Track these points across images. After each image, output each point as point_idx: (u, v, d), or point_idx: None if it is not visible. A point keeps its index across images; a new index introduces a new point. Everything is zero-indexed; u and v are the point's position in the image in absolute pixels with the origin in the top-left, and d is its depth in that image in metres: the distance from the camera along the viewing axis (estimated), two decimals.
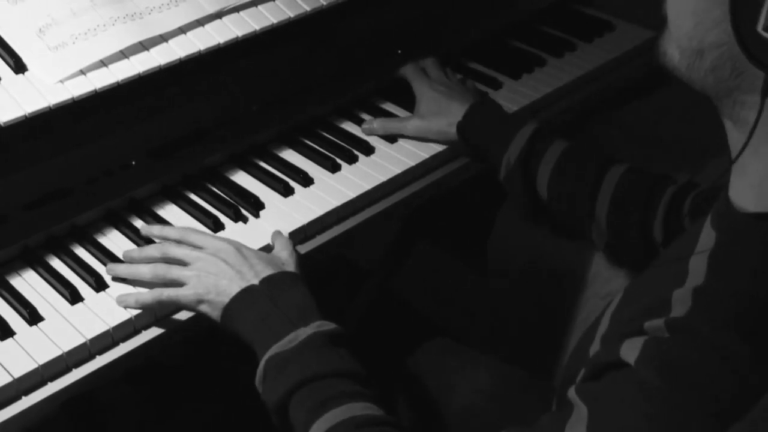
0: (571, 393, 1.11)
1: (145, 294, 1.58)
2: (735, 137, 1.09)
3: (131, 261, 1.65)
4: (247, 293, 1.53)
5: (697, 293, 1.04)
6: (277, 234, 1.72)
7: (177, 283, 1.58)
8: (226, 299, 1.53)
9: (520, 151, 1.81)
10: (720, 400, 0.98)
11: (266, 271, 1.56)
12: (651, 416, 1.01)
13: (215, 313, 1.55)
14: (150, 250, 1.65)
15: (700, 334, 1.01)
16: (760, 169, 1.07)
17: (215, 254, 1.59)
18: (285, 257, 1.64)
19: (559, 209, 1.81)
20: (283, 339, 1.44)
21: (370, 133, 2.01)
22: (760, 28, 0.94)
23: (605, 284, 2.09)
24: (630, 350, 1.06)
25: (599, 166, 1.77)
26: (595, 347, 1.20)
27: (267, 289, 1.53)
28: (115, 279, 1.64)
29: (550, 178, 1.78)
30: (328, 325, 1.47)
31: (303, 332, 1.44)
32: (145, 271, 1.61)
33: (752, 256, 1.04)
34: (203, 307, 1.56)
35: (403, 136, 2.01)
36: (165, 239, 1.68)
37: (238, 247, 1.61)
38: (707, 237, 1.12)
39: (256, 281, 1.54)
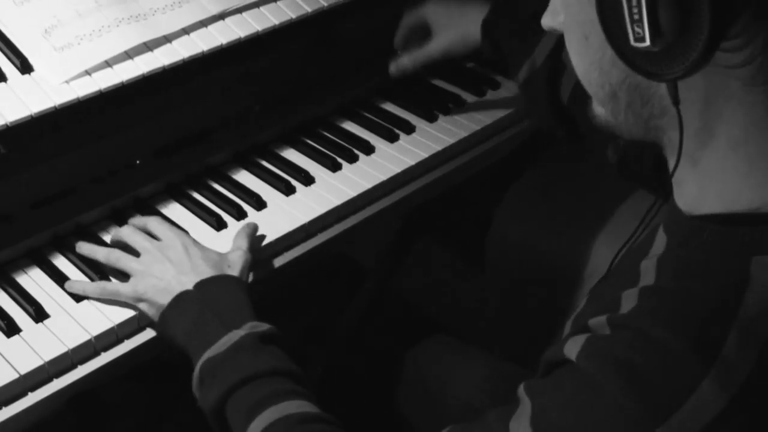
0: (520, 389, 1.12)
1: (90, 285, 1.60)
2: (673, 162, 1.10)
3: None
4: (180, 300, 1.52)
5: (643, 292, 1.05)
6: (241, 231, 1.70)
7: (125, 273, 1.60)
8: (164, 301, 1.53)
9: (548, 53, 1.77)
10: (655, 395, 0.98)
11: (207, 273, 1.55)
12: (589, 409, 1.02)
13: (153, 312, 1.55)
14: (118, 232, 1.67)
15: (639, 329, 1.01)
16: (695, 174, 1.07)
17: (162, 250, 1.60)
18: (233, 258, 1.62)
19: (578, 117, 1.75)
20: (217, 343, 1.44)
21: (401, 72, 2.02)
22: (632, 41, 0.95)
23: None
24: (573, 347, 1.06)
25: None
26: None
27: (201, 293, 1.52)
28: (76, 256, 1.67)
29: (573, 90, 1.73)
30: (260, 326, 1.46)
31: (235, 334, 1.44)
32: (101, 254, 1.64)
33: (696, 258, 1.05)
34: (142, 305, 1.57)
35: (433, 60, 2.01)
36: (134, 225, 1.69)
37: (187, 246, 1.60)
38: (660, 241, 1.13)
39: (191, 285, 1.53)
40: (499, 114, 2.12)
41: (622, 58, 0.98)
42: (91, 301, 1.59)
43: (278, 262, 1.75)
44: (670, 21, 0.92)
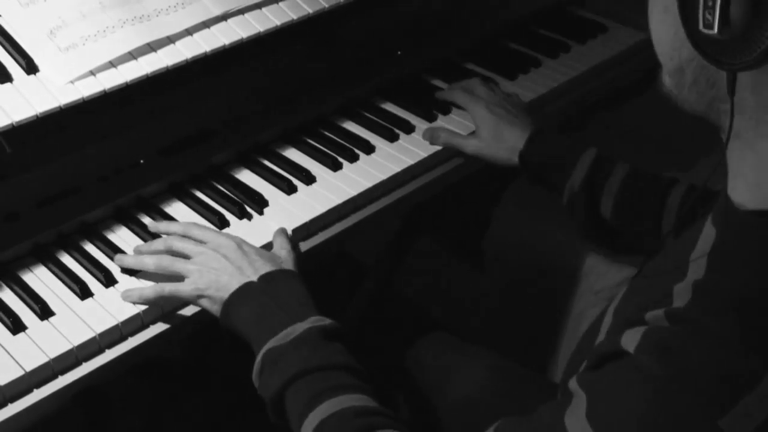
0: (572, 383, 1.12)
1: (147, 289, 1.59)
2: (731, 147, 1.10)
3: (139, 254, 1.66)
4: (245, 290, 1.53)
5: (697, 286, 1.05)
6: (278, 232, 1.73)
7: (179, 277, 1.59)
8: (226, 295, 1.54)
9: (582, 179, 1.80)
10: (717, 388, 0.98)
11: (265, 268, 1.57)
12: (649, 401, 1.01)
13: (215, 308, 1.56)
14: (156, 244, 1.66)
15: (698, 323, 1.01)
16: (755, 167, 1.07)
17: (217, 249, 1.60)
18: (284, 255, 1.65)
19: (624, 231, 1.81)
20: (280, 333, 1.45)
21: (432, 141, 2.00)
22: (701, 26, 0.96)
23: (599, 279, 2.10)
24: (630, 339, 1.06)
25: (664, 186, 1.76)
26: (600, 340, 1.21)
27: (265, 285, 1.53)
28: (124, 271, 1.65)
29: (615, 202, 1.77)
30: (323, 321, 1.47)
31: (299, 327, 1.45)
32: (149, 262, 1.63)
33: (750, 252, 1.05)
34: (203, 302, 1.57)
35: (461, 152, 2.00)
36: (170, 234, 1.68)
37: (240, 243, 1.62)
38: (708, 235, 1.12)
39: (255, 278, 1.55)
40: None
41: (690, 41, 1.00)
42: (96, 299, 1.59)
43: None
44: (740, 13, 0.93)
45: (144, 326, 1.59)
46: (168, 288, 1.58)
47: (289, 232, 1.75)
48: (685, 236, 1.20)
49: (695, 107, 1.11)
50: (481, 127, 1.99)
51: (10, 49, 1.65)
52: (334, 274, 2.15)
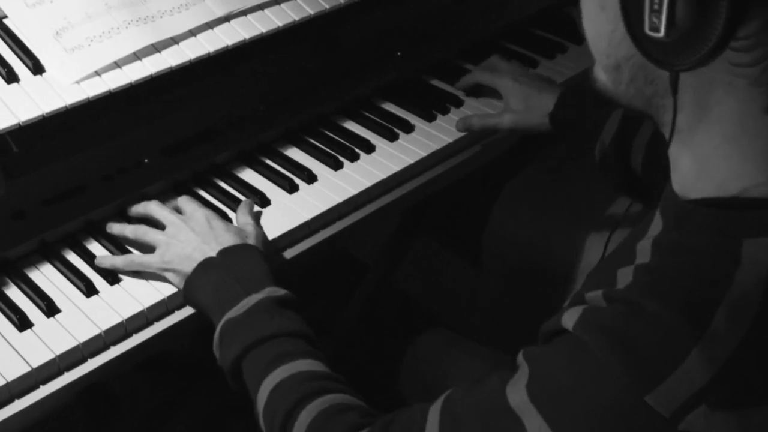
0: (519, 355, 1.14)
1: (119, 258, 1.64)
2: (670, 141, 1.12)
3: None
4: (205, 265, 1.57)
5: (638, 269, 1.07)
6: (242, 208, 1.75)
7: (150, 246, 1.65)
8: (188, 269, 1.58)
9: (614, 134, 1.81)
10: (645, 365, 1.00)
11: (228, 242, 1.60)
12: (582, 376, 1.04)
13: (177, 280, 1.60)
14: (138, 207, 1.73)
15: (632, 303, 1.03)
16: (693, 160, 1.09)
17: (187, 221, 1.65)
18: (250, 230, 1.68)
19: (653, 183, 1.80)
20: (237, 305, 1.49)
21: (466, 128, 2.02)
22: (646, 29, 0.96)
23: None
24: (570, 317, 1.08)
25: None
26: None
27: (224, 259, 1.57)
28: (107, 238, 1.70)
29: (644, 156, 1.78)
30: (278, 291, 1.51)
31: (254, 298, 1.49)
32: (129, 230, 1.68)
33: (689, 237, 1.06)
34: (169, 275, 1.62)
35: (497, 130, 2.03)
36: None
37: (209, 218, 1.66)
38: (656, 224, 1.14)
39: (215, 252, 1.58)
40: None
41: (633, 42, 1.00)
42: (101, 296, 1.60)
43: (281, 258, 1.75)
44: (686, 15, 0.93)
45: (148, 323, 1.59)
46: (137, 259, 1.64)
47: (290, 229, 1.76)
48: (638, 226, 1.22)
49: (633, 103, 1.13)
50: (510, 99, 2.01)
51: (17, 50, 1.64)
52: (335, 271, 2.15)
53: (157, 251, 1.63)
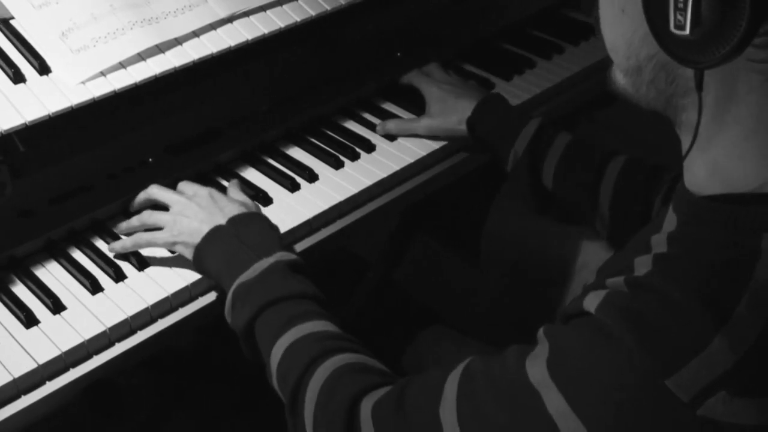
0: (540, 331, 1.14)
1: (127, 240, 1.67)
2: (686, 141, 1.12)
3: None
4: (214, 232, 1.59)
5: (657, 258, 1.08)
6: (231, 187, 1.78)
7: (158, 228, 1.66)
8: (198, 239, 1.59)
9: (526, 145, 1.83)
10: (667, 349, 1.00)
11: (234, 212, 1.62)
12: (604, 357, 1.04)
13: (188, 252, 1.62)
14: (140, 195, 1.74)
15: (655, 289, 1.03)
16: (707, 157, 1.09)
17: (191, 198, 1.67)
18: (251, 203, 1.72)
19: (563, 199, 1.82)
20: (248, 269, 1.50)
21: (384, 133, 2.02)
22: (672, 28, 0.97)
23: (592, 274, 2.09)
24: (591, 301, 1.08)
25: (602, 157, 1.79)
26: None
27: (233, 227, 1.59)
28: (113, 237, 1.71)
29: (556, 170, 1.80)
30: (289, 255, 1.53)
31: (266, 261, 1.51)
32: (135, 221, 1.69)
33: (705, 230, 1.07)
34: (179, 248, 1.64)
35: (416, 135, 2.01)
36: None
37: (211, 192, 1.69)
38: (670, 220, 1.15)
39: (224, 221, 1.60)
40: None
41: (658, 41, 1.00)
42: (106, 294, 1.60)
43: None
44: (711, 12, 0.93)
45: (153, 320, 1.60)
46: (145, 236, 1.65)
47: (292, 227, 1.76)
48: (650, 224, 1.24)
49: (653, 104, 1.13)
50: (430, 104, 2.03)
51: (24, 51, 1.64)
52: (336, 269, 2.15)
53: (166, 228, 1.65)
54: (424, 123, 2.00)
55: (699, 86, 1.03)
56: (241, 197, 1.74)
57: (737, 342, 0.99)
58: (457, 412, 1.15)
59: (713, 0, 0.93)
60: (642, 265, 1.08)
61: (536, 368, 1.09)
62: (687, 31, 0.95)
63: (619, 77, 1.14)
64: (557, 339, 1.10)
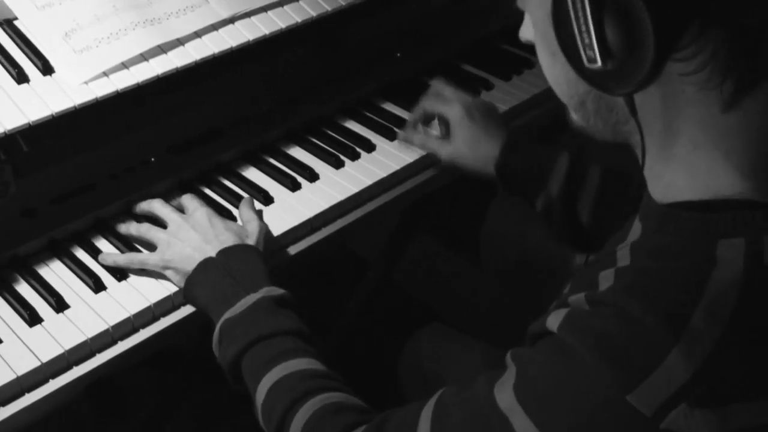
0: (507, 356, 1.15)
1: (120, 256, 1.66)
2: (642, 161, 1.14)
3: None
4: (204, 265, 1.58)
5: (618, 272, 1.08)
6: (244, 204, 1.76)
7: (152, 245, 1.66)
8: (189, 268, 1.59)
9: (559, 188, 1.76)
10: (627, 365, 1.00)
11: (228, 242, 1.61)
12: (566, 377, 1.04)
13: (177, 279, 1.62)
14: (142, 205, 1.74)
15: (614, 305, 1.03)
16: (664, 169, 1.10)
17: (188, 220, 1.66)
18: (251, 229, 1.68)
19: (601, 232, 1.75)
20: (235, 305, 1.50)
21: (405, 141, 1.96)
22: (585, 63, 0.99)
23: None
24: (554, 320, 1.09)
25: (639, 187, 1.75)
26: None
27: (223, 260, 1.58)
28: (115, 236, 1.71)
29: (593, 211, 1.75)
30: (275, 291, 1.52)
31: (252, 297, 1.50)
32: (133, 229, 1.70)
33: (665, 238, 1.08)
34: (169, 273, 1.63)
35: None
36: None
37: (209, 216, 1.67)
38: (636, 229, 1.16)
39: (214, 252, 1.59)
40: None
41: (580, 76, 1.02)
42: (109, 292, 1.60)
43: (284, 254, 1.76)
44: (617, 42, 0.96)
45: (155, 319, 1.60)
46: (138, 257, 1.65)
47: (293, 227, 1.76)
48: (619, 233, 1.23)
49: (604, 134, 1.14)
50: (457, 133, 1.89)
51: (27, 51, 1.64)
52: (337, 268, 2.16)
53: (158, 249, 1.64)
54: (448, 152, 1.90)
55: (632, 111, 1.05)
56: (246, 217, 1.72)
57: (694, 353, 0.99)
58: None
59: (616, 30, 0.95)
60: (605, 280, 1.08)
61: (504, 394, 1.09)
62: (599, 63, 0.97)
63: (573, 115, 1.16)
64: (522, 362, 1.11)
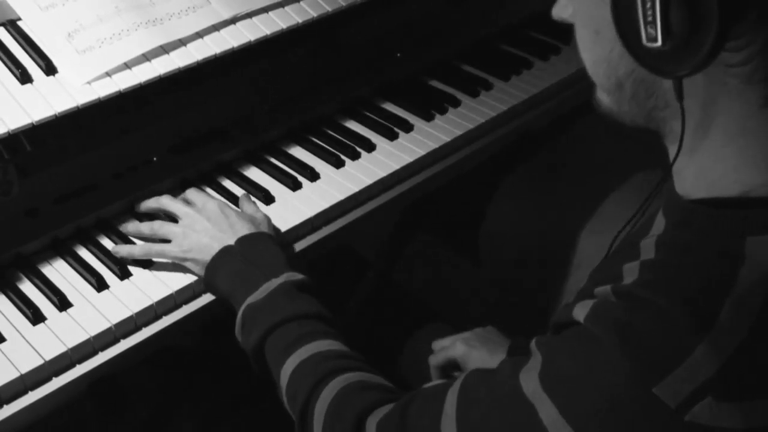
0: (532, 343, 1.15)
1: (136, 247, 1.67)
2: (673, 150, 1.12)
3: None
4: (224, 252, 1.59)
5: (644, 265, 1.08)
6: (243, 199, 1.79)
7: (167, 239, 1.67)
8: (207, 257, 1.60)
9: None
10: (654, 357, 1.01)
11: (243, 231, 1.63)
12: (592, 367, 1.04)
13: (198, 269, 1.63)
14: (150, 202, 1.75)
15: (641, 298, 1.03)
16: (694, 163, 1.09)
17: (200, 212, 1.67)
18: (260, 218, 1.71)
19: None
20: (257, 290, 1.51)
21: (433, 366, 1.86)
22: (644, 41, 0.97)
23: (588, 272, 2.10)
24: (581, 310, 1.09)
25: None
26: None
27: (242, 247, 1.59)
28: (118, 235, 1.71)
29: None
30: (296, 276, 1.54)
31: (274, 282, 1.51)
32: (145, 227, 1.70)
33: (692, 234, 1.07)
34: (188, 264, 1.64)
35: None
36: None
37: (222, 207, 1.68)
38: (659, 223, 1.15)
39: (233, 239, 1.61)
40: (491, 113, 2.13)
41: (633, 56, 1.00)
42: (112, 291, 1.61)
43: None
44: (681, 22, 0.94)
45: (157, 317, 1.60)
46: (155, 248, 1.65)
47: (294, 225, 1.77)
48: (639, 227, 1.23)
49: (635, 119, 1.13)
50: (468, 364, 1.80)
51: (31, 52, 1.65)
52: (337, 267, 2.16)
53: (175, 241, 1.65)
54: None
55: (679, 96, 1.03)
56: (251, 209, 1.74)
57: (720, 348, 0.99)
58: (457, 427, 1.16)
59: (682, 9, 0.94)
60: (630, 273, 1.08)
61: (529, 380, 1.09)
62: (659, 43, 0.95)
63: (603, 97, 1.15)
64: (548, 350, 1.11)
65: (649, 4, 0.95)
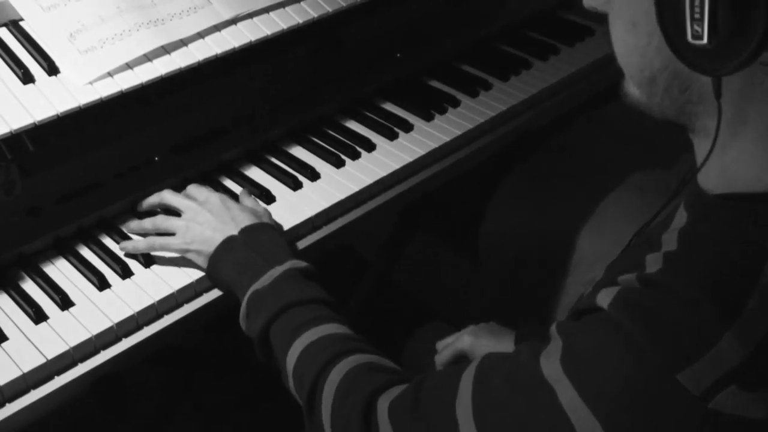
0: (552, 328, 1.15)
1: (140, 242, 1.68)
2: (702, 145, 1.12)
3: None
4: (228, 243, 1.60)
5: (668, 256, 1.08)
6: (242, 195, 1.79)
7: (170, 233, 1.68)
8: (211, 248, 1.61)
9: None
10: (679, 344, 1.01)
11: (246, 222, 1.64)
12: (617, 353, 1.04)
13: (201, 260, 1.63)
14: (152, 198, 1.76)
15: (667, 286, 1.04)
16: (720, 158, 1.10)
17: (203, 205, 1.68)
18: (261, 210, 1.73)
19: None
20: (261, 278, 1.51)
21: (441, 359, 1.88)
22: (689, 38, 0.97)
23: (587, 271, 2.10)
24: (604, 297, 1.09)
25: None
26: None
27: (246, 237, 1.60)
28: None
29: None
30: (300, 263, 1.54)
31: (278, 270, 1.52)
32: (148, 223, 1.71)
33: (715, 228, 1.08)
34: (191, 255, 1.65)
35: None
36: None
37: (223, 199, 1.70)
38: (681, 216, 1.15)
39: (236, 231, 1.62)
40: (491, 113, 2.13)
41: (674, 52, 1.00)
42: (113, 290, 1.61)
43: None
44: (727, 21, 0.94)
45: (159, 316, 1.61)
46: (159, 241, 1.66)
47: (295, 225, 1.77)
48: (660, 221, 1.23)
49: (666, 112, 1.13)
50: (477, 353, 1.82)
51: (33, 52, 1.65)
52: (337, 266, 2.16)
53: (178, 234, 1.66)
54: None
55: (717, 93, 1.03)
56: (252, 203, 1.75)
57: (747, 338, 1.00)
58: (472, 409, 1.16)
59: (730, 8, 0.93)
60: (653, 263, 1.08)
61: (550, 364, 1.09)
62: (705, 41, 0.95)
63: (633, 89, 1.14)
64: (570, 335, 1.11)
65: (697, 2, 0.94)
